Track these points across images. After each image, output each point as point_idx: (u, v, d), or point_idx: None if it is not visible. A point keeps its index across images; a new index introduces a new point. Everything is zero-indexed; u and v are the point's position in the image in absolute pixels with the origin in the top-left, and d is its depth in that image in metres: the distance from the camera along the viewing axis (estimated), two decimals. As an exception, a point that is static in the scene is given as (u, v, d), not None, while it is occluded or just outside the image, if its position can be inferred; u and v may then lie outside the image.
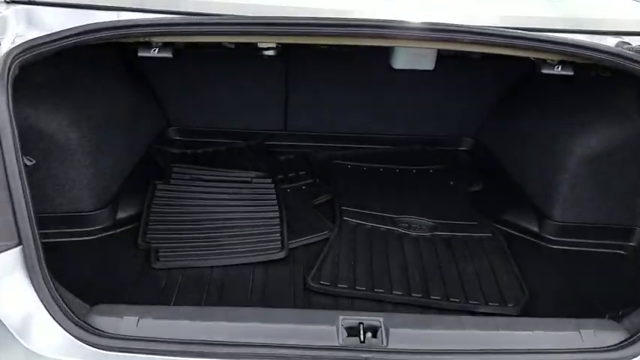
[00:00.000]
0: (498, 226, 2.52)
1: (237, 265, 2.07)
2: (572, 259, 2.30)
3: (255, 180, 2.69)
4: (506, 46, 1.77)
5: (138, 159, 2.62)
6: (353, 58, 2.84)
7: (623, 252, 2.33)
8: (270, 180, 2.70)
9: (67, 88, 2.17)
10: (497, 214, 2.59)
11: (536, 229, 2.47)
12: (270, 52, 2.64)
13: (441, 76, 3.00)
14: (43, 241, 1.99)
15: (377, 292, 2.00)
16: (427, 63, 2.50)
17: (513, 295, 2.03)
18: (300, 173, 2.87)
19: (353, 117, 3.22)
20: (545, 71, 1.99)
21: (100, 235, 2.19)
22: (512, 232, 2.50)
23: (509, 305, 1.98)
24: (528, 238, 2.46)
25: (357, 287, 2.00)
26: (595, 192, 2.34)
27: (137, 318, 1.33)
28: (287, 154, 3.07)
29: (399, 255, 2.24)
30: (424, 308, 1.97)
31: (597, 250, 2.35)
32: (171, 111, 3.10)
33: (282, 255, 2.13)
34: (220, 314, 1.40)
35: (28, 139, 1.99)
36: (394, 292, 2.01)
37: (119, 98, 2.51)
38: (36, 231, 1.31)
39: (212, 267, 2.05)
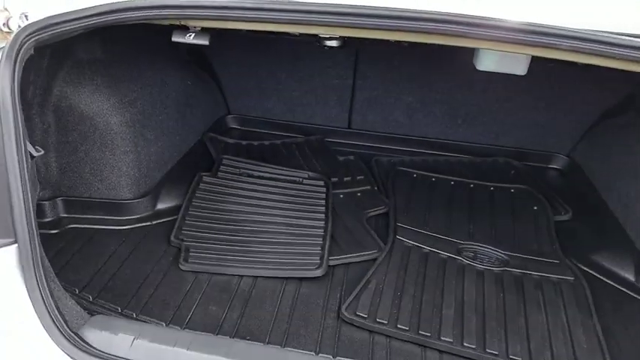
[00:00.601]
0: (584, 268, 2.10)
1: (268, 277, 1.87)
2: None
3: (306, 181, 2.47)
4: (622, 59, 1.37)
5: (188, 147, 2.50)
6: (431, 54, 2.50)
7: None
8: (322, 182, 2.46)
9: (112, 68, 2.06)
10: (586, 253, 2.16)
11: (632, 277, 2.02)
12: (333, 43, 2.39)
13: (536, 81, 2.59)
14: (73, 226, 2.00)
15: (422, 334, 1.69)
16: (518, 67, 2.11)
17: (591, 361, 1.64)
18: (358, 178, 2.60)
19: (427, 119, 2.89)
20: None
21: (135, 226, 2.08)
22: (602, 277, 2.07)
23: (586, 378, 1.59)
24: (621, 288, 2.01)
25: (398, 325, 1.71)
26: None
27: (133, 337, 1.17)
28: (347, 154, 2.81)
29: (456, 291, 1.91)
30: (477, 362, 1.64)
31: None
32: (232, 98, 2.95)
33: (318, 273, 1.89)
34: (222, 348, 1.19)
35: (67, 119, 1.92)
36: (442, 337, 1.69)
37: (172, 82, 2.38)
38: (34, 228, 1.17)
39: (241, 276, 1.86)
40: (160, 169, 2.24)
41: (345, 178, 2.58)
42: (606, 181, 2.46)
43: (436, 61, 2.68)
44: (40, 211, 1.95)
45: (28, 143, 1.21)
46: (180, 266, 1.87)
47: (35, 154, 1.25)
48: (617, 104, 2.61)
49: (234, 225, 2.10)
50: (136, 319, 1.59)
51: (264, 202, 2.24)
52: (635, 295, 1.97)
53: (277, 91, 2.90)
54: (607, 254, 2.13)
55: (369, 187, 2.52)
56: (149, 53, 2.24)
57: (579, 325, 1.79)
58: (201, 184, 2.30)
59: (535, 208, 2.45)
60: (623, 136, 2.47)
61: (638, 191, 2.20)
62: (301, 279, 1.87)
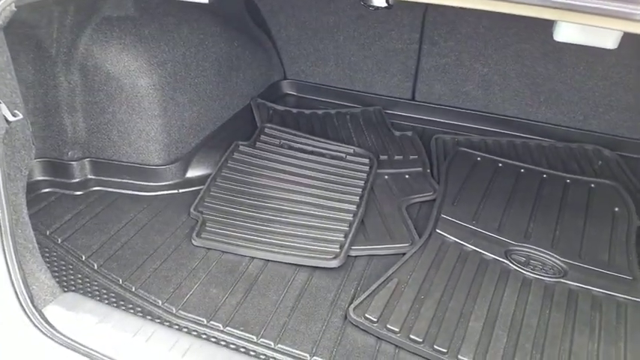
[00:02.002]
0: None
1: (280, 262, 1.74)
2: None
3: (349, 157, 2.26)
4: None
5: (232, 113, 2.39)
6: (511, 17, 2.10)
7: None
8: (367, 160, 2.24)
9: (143, 27, 1.95)
10: None
11: None
12: (380, 3, 2.08)
13: (635, 56, 2.10)
14: (98, 189, 1.94)
15: (436, 350, 1.47)
16: (605, 39, 1.68)
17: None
18: (411, 157, 2.33)
19: (504, 94, 2.51)
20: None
21: (160, 193, 2.03)
22: None
23: None
24: None
25: (411, 336, 1.50)
26: None
27: (95, 322, 1.12)
28: (406, 129, 2.54)
29: (493, 300, 1.64)
30: (497, 392, 1.40)
31: None
32: (289, 62, 2.78)
33: (334, 264, 1.71)
34: (182, 346, 1.10)
35: (94, 78, 1.89)
36: (460, 357, 1.46)
37: (214, 43, 2.23)
38: (10, 197, 1.14)
39: (252, 258, 1.75)
40: (195, 135, 2.15)
41: (396, 157, 2.33)
42: None
43: (518, 27, 2.26)
44: (68, 172, 1.97)
45: (3, 107, 1.16)
46: (192, 241, 1.80)
47: (11, 118, 1.19)
48: None
49: (259, 201, 1.97)
50: (112, 303, 1.49)
51: (297, 179, 2.09)
52: None
53: (335, 55, 2.67)
54: None
55: (420, 169, 2.25)
56: (187, 11, 2.12)
57: (638, 357, 1.46)
58: (235, 154, 2.19)
59: (616, 209, 2.05)
60: None
61: None
62: (315, 268, 1.71)
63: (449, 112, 2.63)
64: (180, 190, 2.06)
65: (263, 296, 1.61)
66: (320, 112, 2.65)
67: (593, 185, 2.20)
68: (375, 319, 1.54)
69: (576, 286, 1.71)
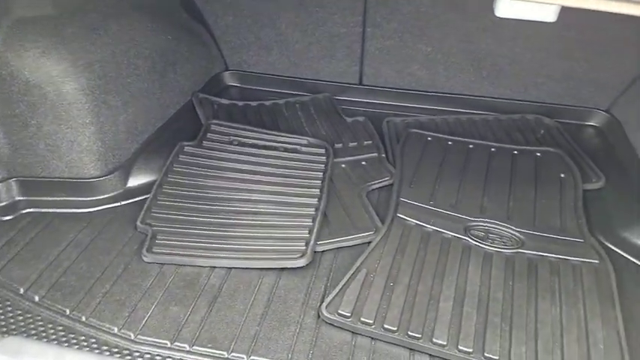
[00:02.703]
0: (612, 247, 1.80)
1: (243, 268, 1.66)
2: None
3: (305, 148, 2.21)
4: None
5: (173, 111, 2.24)
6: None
7: None
8: (322, 150, 2.20)
9: (64, 26, 1.77)
10: (615, 229, 1.86)
11: None
12: None
13: (574, 27, 2.17)
14: (30, 211, 1.72)
15: (411, 336, 1.48)
16: (545, 13, 1.71)
17: (607, 366, 1.39)
18: (365, 143, 2.31)
19: (448, 72, 2.54)
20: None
21: (100, 207, 1.86)
22: (631, 258, 1.77)
23: (600, 389, 1.35)
24: None
25: (385, 326, 1.50)
26: None
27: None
28: (356, 114, 2.51)
29: (458, 279, 1.66)
30: (473, 369, 1.43)
31: None
32: (230, 52, 2.65)
33: (301, 263, 1.66)
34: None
35: (11, 89, 1.70)
36: (435, 339, 1.47)
37: (146, 38, 2.07)
38: None
39: (213, 268, 1.66)
40: (133, 139, 1.99)
41: (351, 144, 2.30)
42: None
43: (458, 5, 2.27)
44: (-8, 196, 1.77)
45: None
46: (143, 257, 1.66)
47: None
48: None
49: (212, 205, 1.86)
50: (60, 339, 1.37)
51: (252, 176, 2.01)
52: None
53: (279, 43, 2.58)
54: (639, 230, 1.81)
55: (375, 154, 2.24)
56: (113, 5, 1.94)
57: (598, 318, 1.53)
58: (181, 156, 2.05)
59: (562, 175, 2.13)
60: None
61: None
62: (282, 269, 1.65)
63: (397, 94, 2.63)
64: (123, 203, 1.90)
65: (229, 307, 1.53)
66: (268, 103, 2.56)
67: (538, 154, 2.27)
68: (349, 314, 1.52)
69: (534, 254, 1.77)
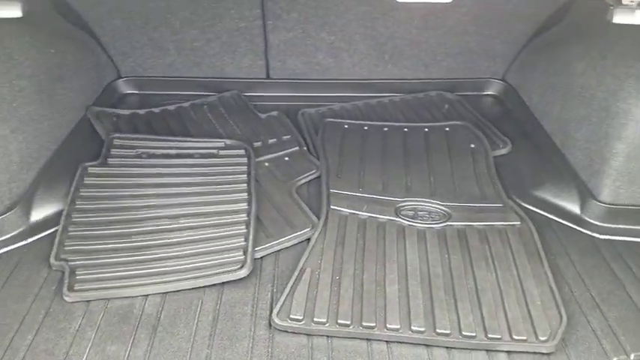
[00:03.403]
0: (529, 207, 1.93)
1: (180, 290, 1.53)
2: (624, 254, 1.73)
3: (222, 152, 2.10)
4: None
5: (67, 131, 2.02)
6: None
7: None
8: (242, 151, 2.10)
9: None
10: (529, 190, 2.01)
11: (577, 210, 1.88)
12: None
13: (462, 4, 2.29)
14: None
15: (366, 326, 1.47)
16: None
17: (546, 320, 1.48)
18: (284, 138, 2.26)
19: (353, 59, 2.56)
20: (618, 20, 1.30)
21: (5, 250, 1.63)
22: (547, 214, 1.91)
23: (541, 339, 1.44)
24: (567, 223, 1.87)
25: (339, 321, 1.47)
26: None
27: None
28: (269, 110, 2.44)
29: (399, 260, 1.69)
30: (428, 347, 1.46)
31: None
32: (121, 58, 2.44)
33: (242, 273, 1.56)
34: None
35: None
36: (388, 325, 1.47)
37: (26, 56, 1.84)
38: None
39: (146, 296, 1.51)
40: (29, 168, 1.77)
41: (270, 140, 2.23)
42: (542, 104, 2.29)
43: None
44: None
45: None
46: (64, 297, 1.48)
47: None
48: (549, 18, 2.36)
49: (132, 227, 1.69)
50: None
51: (170, 190, 1.85)
52: (581, 230, 1.84)
53: (175, 42, 2.41)
54: (550, 188, 2.00)
55: (297, 148, 2.19)
56: None
57: (530, 276, 1.63)
58: (86, 179, 1.85)
59: (472, 145, 2.26)
60: (556, 53, 2.26)
61: (572, 112, 2.02)
62: (223, 284, 1.55)
63: (306, 84, 2.61)
64: (30, 240, 1.68)
65: (172, 335, 1.40)
66: (172, 107, 2.39)
67: (447, 129, 2.38)
68: (301, 317, 1.47)
69: (462, 225, 1.84)
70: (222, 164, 2.01)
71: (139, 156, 2.00)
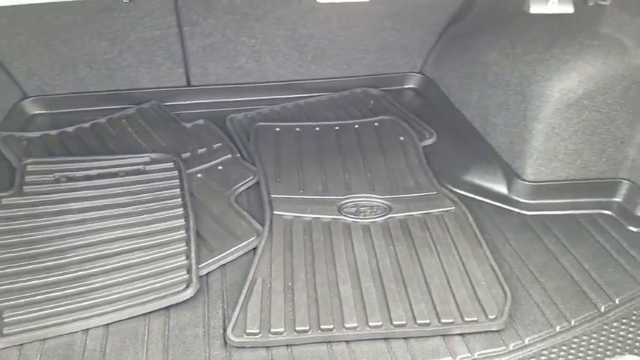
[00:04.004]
0: (461, 192, 2.02)
1: (123, 320, 1.42)
2: (552, 227, 1.86)
3: (149, 167, 1.98)
4: None
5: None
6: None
7: (608, 212, 1.91)
8: (171, 164, 2.01)
9: None
10: (458, 175, 2.10)
11: (505, 190, 2.00)
12: None
13: (378, 1, 2.36)
14: None
15: (324, 329, 1.46)
16: (362, -6, 1.82)
17: (492, 299, 1.56)
18: (215, 146, 2.19)
19: (276, 61, 2.54)
20: (534, 10, 1.39)
21: None
22: (478, 197, 2.01)
23: (490, 317, 1.51)
24: (497, 204, 1.98)
25: (297, 328, 1.44)
26: (574, 143, 1.87)
27: None
28: (194, 118, 2.35)
29: (348, 258, 1.69)
30: (387, 340, 1.47)
31: (578, 212, 1.92)
32: (25, 76, 2.23)
33: (189, 294, 1.49)
34: None
35: None
36: (346, 324, 1.47)
37: None
38: None
39: (86, 330, 1.39)
40: None
41: (200, 150, 2.15)
42: (460, 94, 2.40)
43: None
44: None
45: None
46: None
47: None
48: (459, 10, 2.50)
49: (60, 258, 1.55)
50: None
51: (98, 213, 1.72)
52: (511, 208, 1.95)
53: (85, 56, 2.25)
54: (477, 172, 2.10)
55: (230, 156, 2.13)
56: None
57: (472, 258, 1.71)
58: (0, 212, 1.68)
59: (402, 138, 2.33)
60: (469, 43, 2.37)
61: (490, 99, 2.13)
62: (169, 307, 1.46)
63: (230, 89, 2.55)
64: None
65: (123, 367, 1.31)
66: (87, 125, 2.24)
67: (376, 124, 2.44)
68: (258, 330, 1.42)
69: (402, 215, 1.89)
70: (151, 180, 1.90)
71: (57, 180, 1.84)
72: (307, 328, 1.45)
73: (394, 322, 1.49)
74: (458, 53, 2.46)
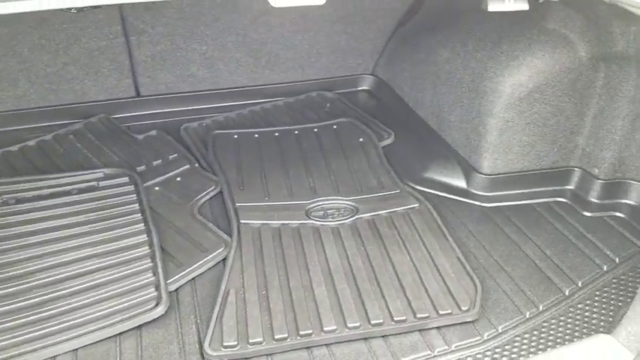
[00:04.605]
0: (422, 189, 2.09)
1: (92, 343, 1.37)
2: (512, 217, 1.95)
3: (103, 183, 1.92)
4: None
5: None
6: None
7: (562, 199, 2.04)
8: (126, 179, 1.95)
9: None
10: (418, 173, 2.16)
11: (464, 185, 2.09)
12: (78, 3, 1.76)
13: (329, 4, 2.41)
14: None
15: (303, 335, 1.46)
16: (318, -2, 1.85)
17: (463, 291, 1.62)
18: (171, 158, 2.14)
19: (229, 67, 2.52)
20: (492, 8, 1.47)
21: None
22: (439, 193, 2.08)
23: (464, 309, 1.57)
24: (458, 198, 2.06)
25: (275, 337, 1.44)
26: (527, 135, 1.97)
27: None
28: (146, 129, 2.30)
29: (320, 261, 1.71)
30: (366, 339, 1.50)
31: (535, 201, 2.03)
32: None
33: (159, 311, 1.46)
34: None
35: None
36: (325, 328, 1.49)
37: None
38: None
39: (54, 357, 1.33)
40: None
41: (155, 162, 2.10)
42: (413, 93, 2.48)
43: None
44: None
45: None
46: None
47: None
48: (407, 11, 2.58)
49: (18, 284, 1.48)
50: None
51: (54, 234, 1.65)
52: (471, 202, 2.03)
53: (25, 71, 2.15)
54: (436, 168, 2.17)
55: (188, 166, 2.10)
56: None
57: (440, 252, 1.76)
58: (-56, 241, 1.58)
59: (361, 139, 2.37)
60: (420, 43, 2.45)
61: (444, 97, 2.22)
62: (140, 327, 1.42)
63: (182, 98, 2.51)
64: None
65: (95, 393, 1.26)
66: (32, 142, 2.14)
67: (335, 126, 2.48)
68: (235, 343, 1.41)
69: (369, 216, 1.93)
70: (107, 196, 1.85)
71: (5, 203, 1.75)
72: (286, 335, 1.45)
73: (372, 322, 1.51)
74: (409, 54, 2.54)
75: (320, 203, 1.98)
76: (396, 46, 2.69)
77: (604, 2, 1.51)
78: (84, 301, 1.46)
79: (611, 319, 1.51)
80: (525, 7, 1.56)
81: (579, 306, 1.58)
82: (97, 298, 1.48)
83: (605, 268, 1.70)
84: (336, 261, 1.72)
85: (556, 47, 1.86)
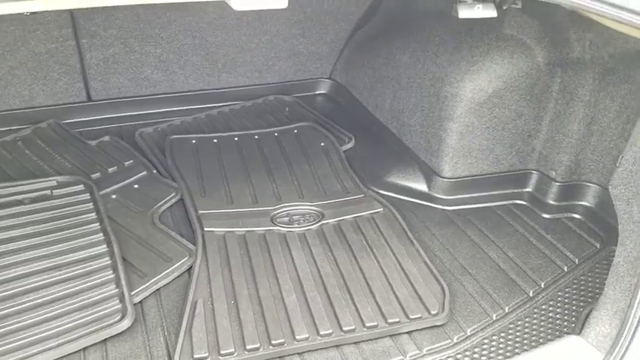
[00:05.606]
0: (385, 193, 2.15)
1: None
2: (473, 220, 2.04)
3: (56, 191, 1.87)
4: None
5: None
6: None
7: (521, 201, 2.16)
8: (81, 186, 1.91)
9: None
10: (380, 177, 2.22)
11: (426, 189, 2.16)
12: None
13: (286, 8, 2.46)
14: None
15: (275, 344, 1.49)
16: (280, 1, 1.89)
17: (432, 295, 1.69)
18: (127, 164, 2.11)
19: (185, 70, 2.52)
20: (463, 15, 1.55)
21: None
22: (401, 197, 2.14)
23: (433, 313, 1.63)
24: (420, 202, 2.14)
25: (247, 347, 1.46)
26: (486, 139, 2.08)
27: None
28: (98, 135, 2.26)
29: (289, 269, 1.74)
30: (338, 346, 1.54)
31: (495, 203, 2.13)
32: None
33: (125, 324, 1.44)
34: None
35: None
36: (297, 336, 1.52)
37: None
38: None
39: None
40: None
41: (110, 169, 2.07)
42: (373, 98, 2.54)
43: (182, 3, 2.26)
44: None
45: None
46: None
47: None
48: (363, 15, 2.66)
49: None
50: None
51: (9, 246, 1.60)
52: (433, 205, 2.10)
53: None
54: (398, 172, 2.23)
55: (145, 173, 2.07)
56: None
57: (406, 256, 1.82)
58: None
59: (322, 144, 2.42)
60: (377, 47, 2.52)
61: (404, 101, 2.29)
62: (104, 341, 1.40)
63: (136, 102, 2.48)
64: None
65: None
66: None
67: (295, 130, 2.51)
68: (206, 354, 1.41)
69: (335, 221, 1.98)
70: (62, 205, 1.80)
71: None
72: (258, 345, 1.47)
73: (344, 328, 1.55)
74: (368, 58, 2.60)
75: (285, 209, 2.01)
76: (353, 50, 2.75)
77: (562, 9, 1.62)
78: (44, 316, 1.43)
79: (574, 319, 1.61)
80: (494, 14, 1.65)
81: (543, 307, 1.67)
82: (58, 312, 1.44)
83: (565, 269, 1.81)
84: (304, 268, 1.75)
85: (514, 53, 1.97)
